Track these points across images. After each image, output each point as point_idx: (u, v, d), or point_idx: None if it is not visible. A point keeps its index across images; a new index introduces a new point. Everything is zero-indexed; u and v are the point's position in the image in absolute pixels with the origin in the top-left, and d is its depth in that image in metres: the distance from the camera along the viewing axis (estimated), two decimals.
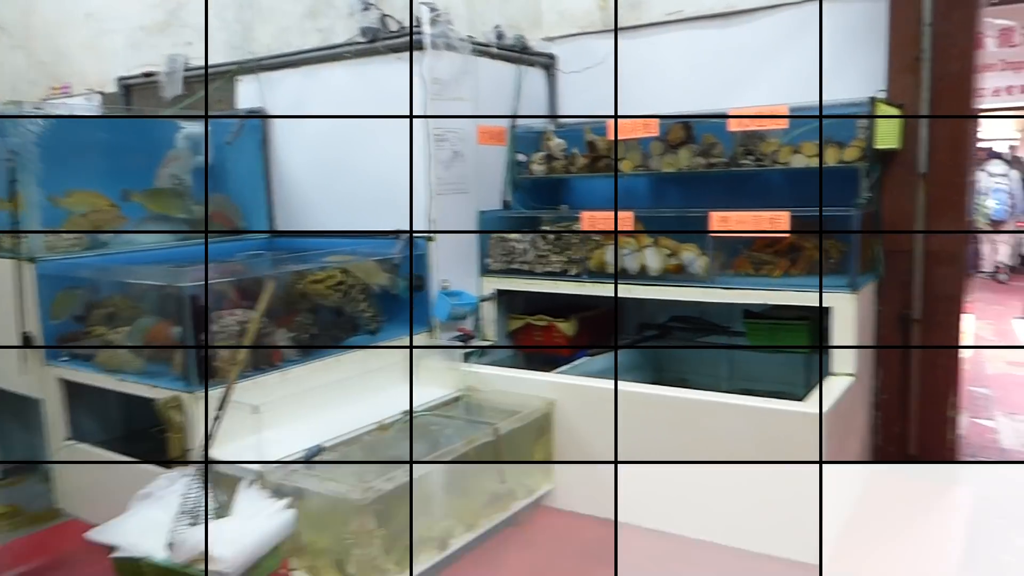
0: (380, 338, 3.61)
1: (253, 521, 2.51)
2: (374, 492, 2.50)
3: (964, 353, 5.05)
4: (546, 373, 3.52)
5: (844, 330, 3.20)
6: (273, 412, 3.00)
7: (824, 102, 3.52)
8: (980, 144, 13.82)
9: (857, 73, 3.62)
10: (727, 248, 3.61)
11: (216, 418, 2.77)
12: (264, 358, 3.18)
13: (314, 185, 4.24)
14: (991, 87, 9.29)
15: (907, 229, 3.41)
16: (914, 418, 3.48)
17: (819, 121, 3.49)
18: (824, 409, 2.81)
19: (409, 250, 3.71)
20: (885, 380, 3.56)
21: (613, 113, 3.72)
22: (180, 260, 3.50)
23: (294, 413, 3.11)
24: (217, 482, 2.80)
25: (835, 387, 3.08)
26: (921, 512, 3.21)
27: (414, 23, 3.67)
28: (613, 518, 3.21)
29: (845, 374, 3.22)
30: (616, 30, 4.26)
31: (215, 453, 2.75)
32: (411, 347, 3.64)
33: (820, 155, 3.43)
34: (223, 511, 2.62)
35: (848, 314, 3.18)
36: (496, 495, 3.09)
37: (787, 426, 2.84)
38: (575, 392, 3.33)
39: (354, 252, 3.75)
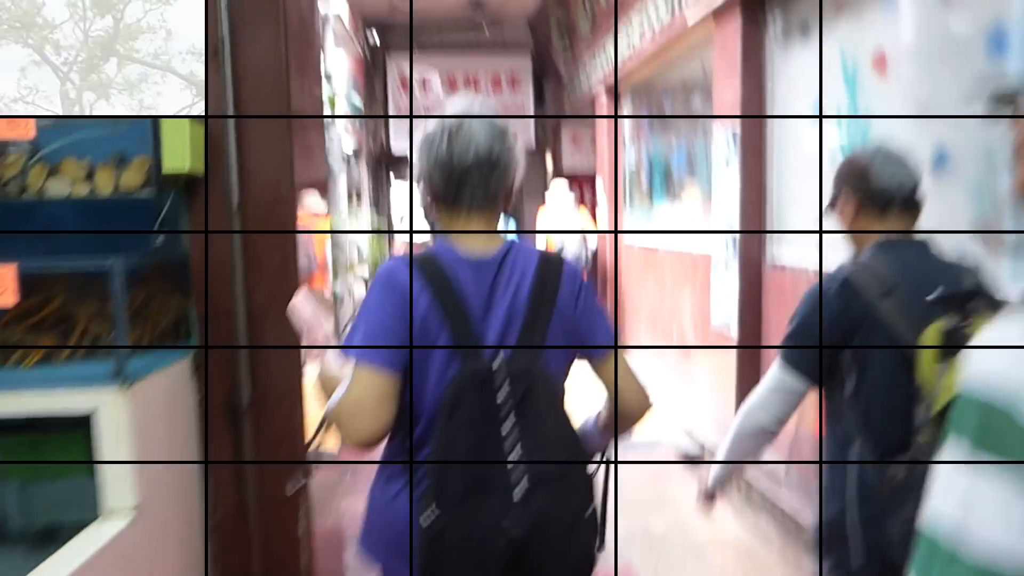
0: None
1: None
2: None
3: None
4: None
5: (115, 444, 2.09)
6: None
7: None
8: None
9: None
10: None
11: None
12: None
13: None
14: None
15: (267, 280, 2.46)
16: (259, 535, 2.55)
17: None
18: None
19: None
20: (215, 496, 2.56)
21: None
22: None
23: None
24: None
25: (84, 545, 1.93)
26: None
27: None
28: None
29: (124, 508, 2.10)
30: None
31: None
32: None
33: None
34: None
35: (119, 420, 2.07)
36: None
37: None
38: None
39: None
